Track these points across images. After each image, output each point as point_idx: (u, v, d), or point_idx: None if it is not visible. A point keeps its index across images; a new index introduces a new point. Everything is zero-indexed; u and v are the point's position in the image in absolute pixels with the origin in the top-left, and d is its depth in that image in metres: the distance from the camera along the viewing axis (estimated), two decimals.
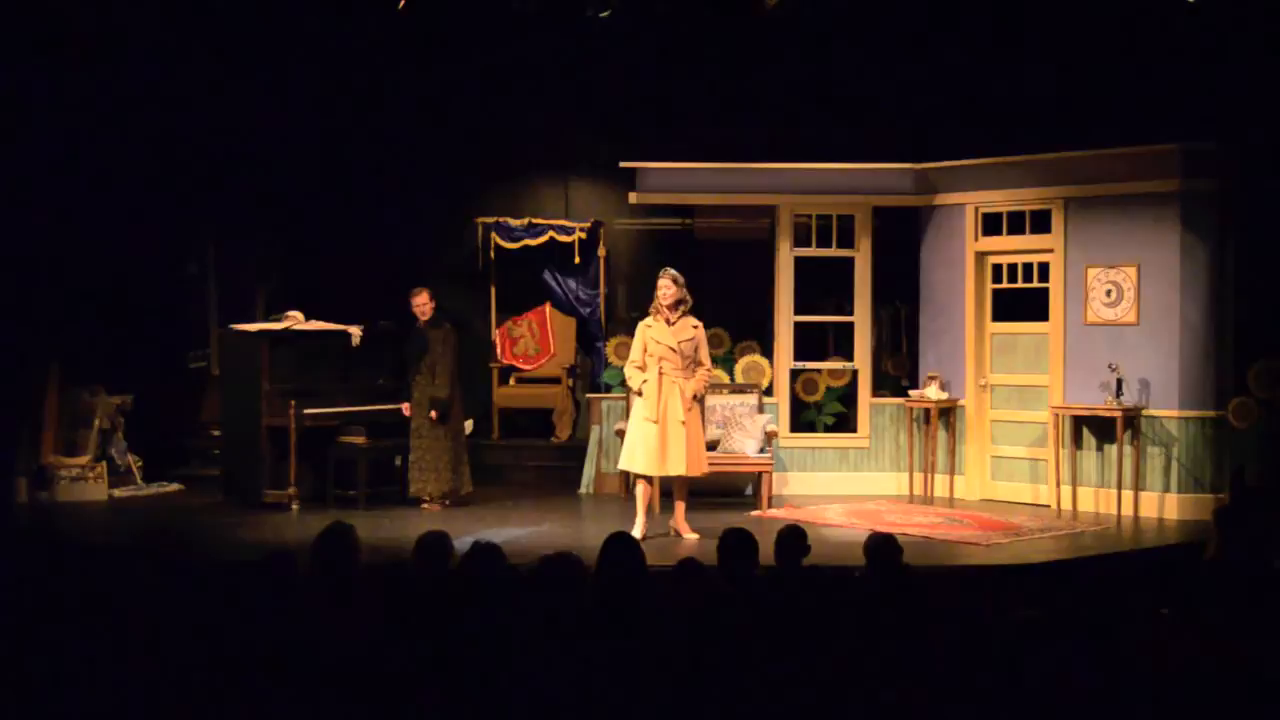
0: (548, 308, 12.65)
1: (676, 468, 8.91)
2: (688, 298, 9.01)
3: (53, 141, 10.51)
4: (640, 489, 9.01)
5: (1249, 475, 9.71)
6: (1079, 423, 10.42)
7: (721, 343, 11.48)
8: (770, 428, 10.68)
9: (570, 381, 12.55)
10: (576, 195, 12.99)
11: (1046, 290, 10.74)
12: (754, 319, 11.80)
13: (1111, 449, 10.19)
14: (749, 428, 10.59)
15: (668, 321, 8.94)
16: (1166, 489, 10.14)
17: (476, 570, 4.80)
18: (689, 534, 9.02)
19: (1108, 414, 10.12)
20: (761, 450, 10.45)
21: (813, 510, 10.26)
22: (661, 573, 5.18)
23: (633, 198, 11.61)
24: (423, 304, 10.27)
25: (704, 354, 9.06)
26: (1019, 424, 10.97)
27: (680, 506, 9.10)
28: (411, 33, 10.90)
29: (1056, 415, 10.47)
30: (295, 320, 10.65)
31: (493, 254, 12.52)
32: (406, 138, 12.40)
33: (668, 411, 8.88)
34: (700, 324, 9.08)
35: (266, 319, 11.29)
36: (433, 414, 10.14)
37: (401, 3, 9.38)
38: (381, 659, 4.30)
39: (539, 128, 12.38)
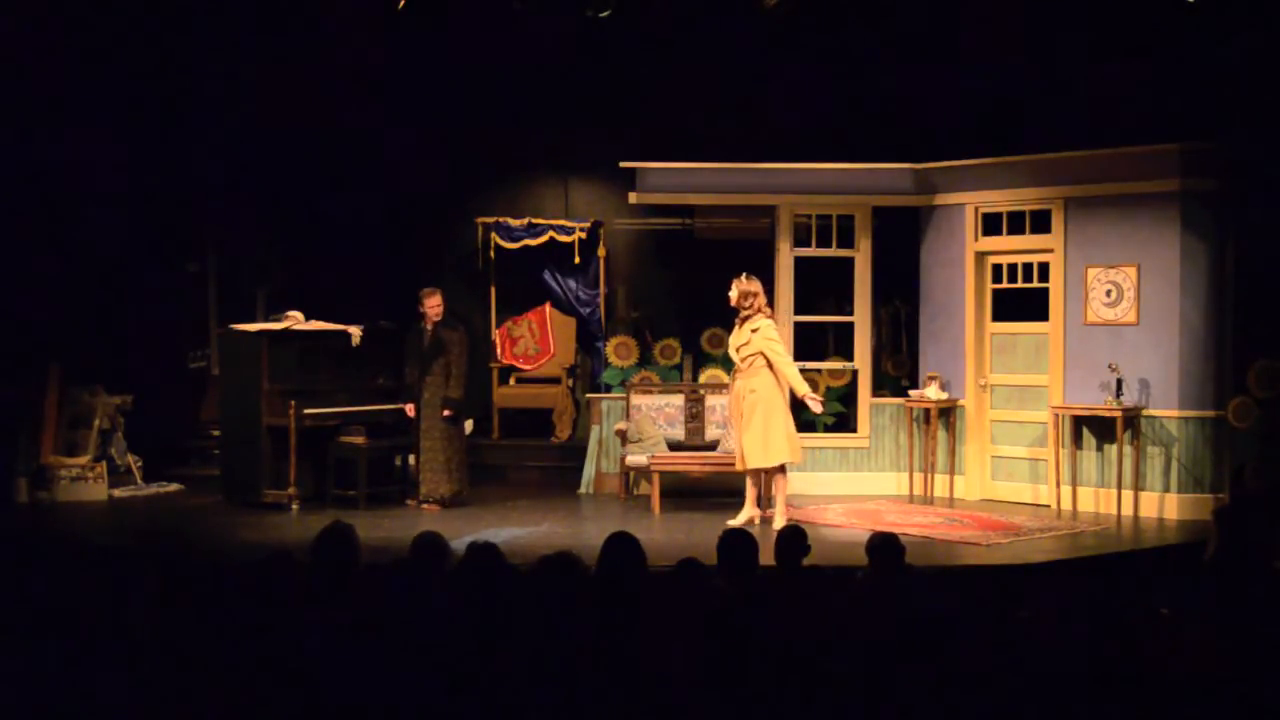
0: (548, 308, 12.66)
1: (740, 463, 9.58)
2: (752, 301, 9.50)
3: (53, 143, 10.51)
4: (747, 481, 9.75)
5: (1249, 475, 9.71)
6: (1079, 423, 10.42)
7: (720, 342, 11.49)
8: None
9: (570, 381, 12.55)
10: (576, 195, 13.01)
11: (1046, 290, 10.74)
12: None
13: (1111, 449, 10.19)
14: None
15: (739, 326, 9.58)
16: (1166, 489, 10.14)
17: (475, 570, 4.80)
18: (775, 520, 9.37)
19: (1108, 414, 10.12)
20: None
21: (813, 510, 10.26)
22: (661, 573, 5.18)
23: (633, 198, 11.61)
24: (436, 305, 10.25)
25: (769, 353, 9.46)
26: (1019, 424, 10.97)
27: (775, 499, 9.60)
28: (411, 32, 10.89)
29: (1056, 415, 10.47)
30: (295, 320, 10.65)
31: (493, 254, 12.53)
32: (407, 137, 12.40)
33: (735, 411, 9.61)
34: (761, 326, 9.48)
35: (266, 319, 11.29)
36: (445, 412, 10.15)
37: (401, 2, 9.38)
38: (380, 659, 4.30)
39: (539, 128, 12.39)
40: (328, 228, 12.41)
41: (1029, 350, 10.89)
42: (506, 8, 9.65)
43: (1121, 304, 10.32)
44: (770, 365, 9.47)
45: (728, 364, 11.34)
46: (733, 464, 10.31)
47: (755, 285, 9.56)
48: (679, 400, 11.20)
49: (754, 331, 9.47)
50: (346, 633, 4.47)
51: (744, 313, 9.53)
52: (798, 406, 10.05)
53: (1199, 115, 10.00)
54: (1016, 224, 10.94)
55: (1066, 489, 10.40)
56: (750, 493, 9.73)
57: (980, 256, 11.13)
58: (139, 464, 11.35)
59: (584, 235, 12.34)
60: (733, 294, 9.56)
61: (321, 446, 10.33)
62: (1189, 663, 4.29)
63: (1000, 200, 10.97)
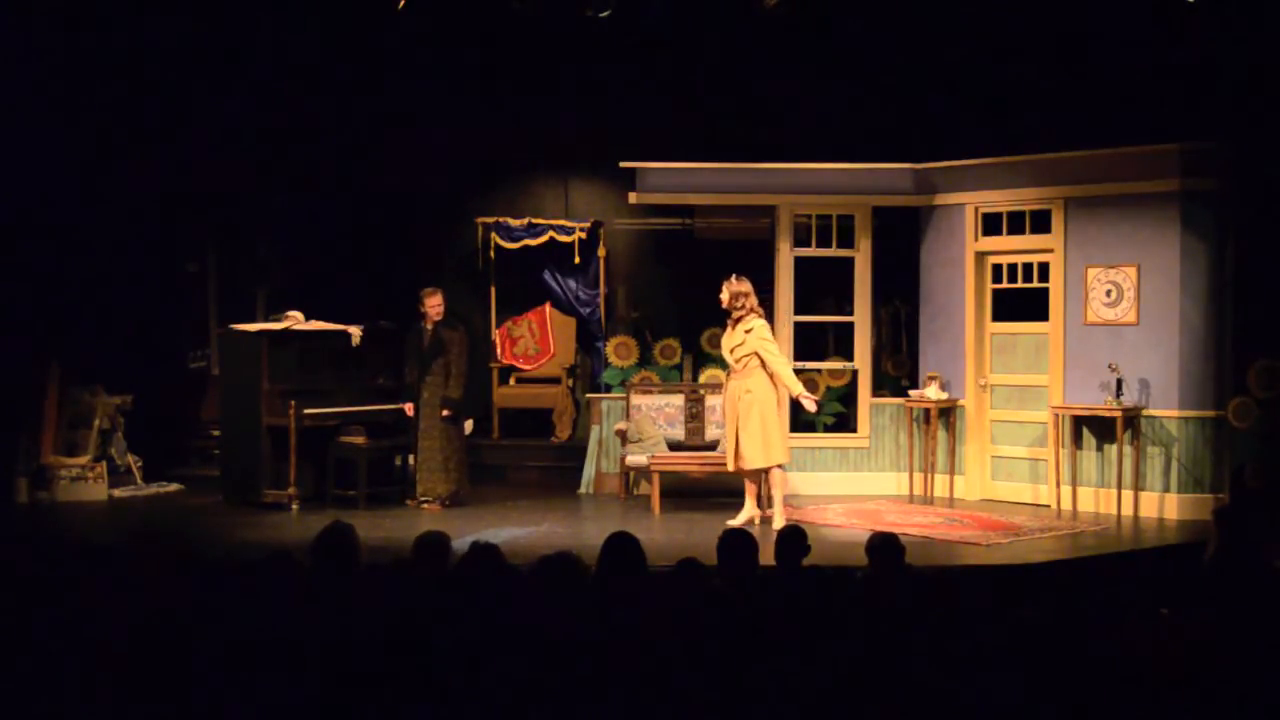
0: (548, 308, 12.66)
1: (733, 462, 9.58)
2: (744, 302, 9.53)
3: (53, 141, 10.50)
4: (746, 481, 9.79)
5: (1249, 475, 9.71)
6: (1079, 423, 10.41)
7: (718, 342, 11.50)
8: None
9: (570, 381, 12.55)
10: (576, 195, 13.00)
11: (1046, 290, 10.74)
12: None
13: (1111, 449, 10.19)
14: None
15: (731, 327, 9.61)
16: (1166, 489, 10.14)
17: (475, 571, 4.80)
18: (774, 520, 9.40)
19: (1108, 414, 10.12)
20: None
21: (813, 510, 10.27)
22: (661, 573, 5.18)
23: (633, 198, 11.61)
24: (437, 305, 10.28)
25: (764, 353, 9.48)
26: (1019, 424, 10.97)
27: (774, 498, 9.61)
28: (411, 32, 10.89)
29: (1056, 415, 10.47)
30: (295, 320, 10.66)
31: (493, 254, 12.53)
32: (406, 138, 12.39)
33: (730, 411, 9.57)
34: (754, 327, 9.50)
35: (266, 319, 11.29)
36: (444, 412, 10.16)
37: (401, 2, 9.37)
38: (380, 659, 4.30)
39: (539, 128, 12.39)
40: (328, 228, 12.41)
41: (1029, 350, 10.89)
42: (506, 8, 9.65)
43: (1121, 304, 10.32)
44: (764, 365, 9.47)
45: (727, 364, 11.34)
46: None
47: (746, 286, 9.57)
48: (679, 400, 11.20)
49: (748, 332, 9.49)
50: (347, 633, 4.47)
51: (736, 313, 9.55)
52: (795, 406, 10.08)
53: (1199, 115, 10.00)
54: (1016, 224, 10.94)
55: (1066, 489, 10.39)
56: (750, 492, 9.73)
57: (980, 256, 11.12)
58: (139, 464, 11.35)
59: (584, 235, 12.34)
60: (724, 296, 9.58)
61: (321, 446, 10.33)
62: (1189, 663, 4.29)
63: (1000, 200, 10.97)
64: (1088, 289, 10.48)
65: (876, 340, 11.72)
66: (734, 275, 9.63)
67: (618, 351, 12.03)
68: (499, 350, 12.63)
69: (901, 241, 11.47)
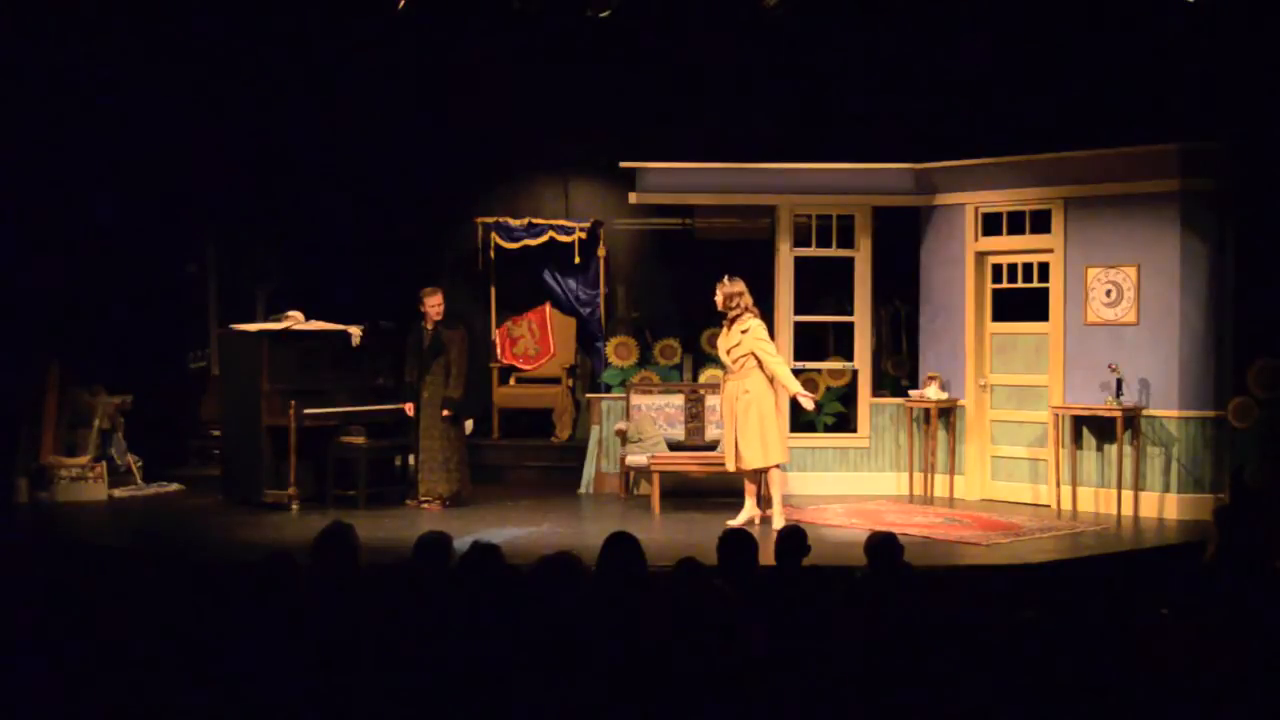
0: (548, 308, 12.66)
1: (733, 462, 9.59)
2: (738, 302, 9.53)
3: (53, 140, 10.50)
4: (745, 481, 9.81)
5: (1249, 475, 9.71)
6: (1079, 423, 10.41)
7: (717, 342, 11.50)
8: None
9: (570, 381, 12.56)
10: (576, 195, 13.00)
11: (1046, 290, 10.74)
12: None
13: (1111, 449, 10.19)
14: None
15: (727, 327, 9.61)
16: (1166, 489, 10.14)
17: (476, 570, 4.80)
18: (774, 519, 9.42)
19: (1108, 414, 10.12)
20: None
21: (813, 510, 10.27)
22: (661, 573, 5.18)
23: (633, 198, 11.60)
24: (437, 304, 10.29)
25: (760, 353, 9.47)
26: (1019, 424, 10.96)
27: (772, 498, 9.63)
28: (411, 32, 10.89)
29: (1056, 415, 10.47)
30: (295, 320, 10.66)
31: (493, 254, 12.53)
32: (407, 137, 12.39)
33: (729, 412, 9.57)
34: (750, 327, 9.49)
35: (266, 319, 11.30)
36: (445, 412, 10.17)
37: (401, 2, 9.37)
38: (381, 659, 4.30)
39: (539, 128, 12.38)
40: (327, 228, 12.41)
41: (1029, 350, 10.89)
42: (506, 8, 9.65)
43: (1121, 304, 10.32)
44: (761, 366, 9.46)
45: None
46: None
47: (739, 286, 9.57)
48: (679, 400, 11.21)
49: (744, 333, 9.49)
50: (346, 632, 4.47)
51: (731, 314, 9.55)
52: (795, 406, 10.08)
53: (1199, 115, 10.00)
54: (1016, 224, 10.93)
55: (1066, 489, 10.39)
56: (750, 492, 9.73)
57: (980, 256, 11.12)
58: (139, 464, 11.35)
59: (584, 235, 12.35)
60: (718, 297, 9.59)
61: (321, 446, 10.33)
62: (1189, 663, 4.29)
63: (1000, 200, 10.97)
64: (1088, 289, 10.47)
65: (876, 340, 11.72)
66: (727, 276, 9.61)
67: (618, 351, 12.03)
68: (499, 350, 12.63)
69: (901, 241, 11.46)
